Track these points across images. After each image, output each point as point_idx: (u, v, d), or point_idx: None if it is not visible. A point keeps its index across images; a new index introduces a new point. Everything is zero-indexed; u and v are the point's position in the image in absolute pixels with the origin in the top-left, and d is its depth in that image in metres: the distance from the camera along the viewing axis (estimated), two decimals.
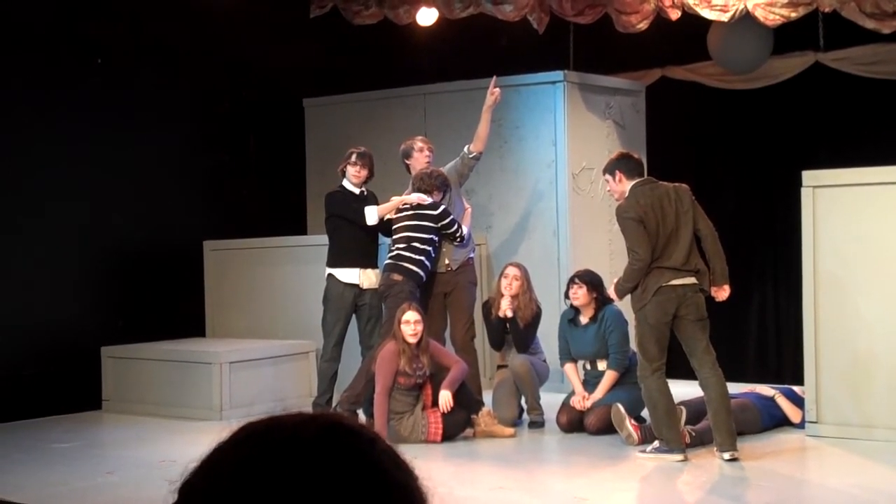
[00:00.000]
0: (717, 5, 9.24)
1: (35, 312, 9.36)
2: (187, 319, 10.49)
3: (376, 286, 8.55)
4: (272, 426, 1.17)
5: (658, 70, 11.05)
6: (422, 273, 8.38)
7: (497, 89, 8.80)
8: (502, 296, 8.37)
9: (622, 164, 7.25)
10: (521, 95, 10.09)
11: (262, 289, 10.38)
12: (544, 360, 8.53)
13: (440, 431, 7.76)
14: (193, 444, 7.95)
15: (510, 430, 8.03)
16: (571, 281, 8.20)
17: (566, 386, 8.50)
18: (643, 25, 9.79)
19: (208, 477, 1.14)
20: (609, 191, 7.57)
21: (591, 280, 8.15)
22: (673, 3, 9.51)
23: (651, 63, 10.98)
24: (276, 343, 9.84)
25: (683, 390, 7.86)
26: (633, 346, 8.02)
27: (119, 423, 9.16)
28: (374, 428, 7.30)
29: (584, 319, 8.17)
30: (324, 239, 9.00)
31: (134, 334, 9.88)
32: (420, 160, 8.75)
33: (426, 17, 10.41)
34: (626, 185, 7.14)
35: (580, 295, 8.10)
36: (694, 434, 7.32)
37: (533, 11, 10.09)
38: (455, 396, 7.79)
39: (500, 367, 8.63)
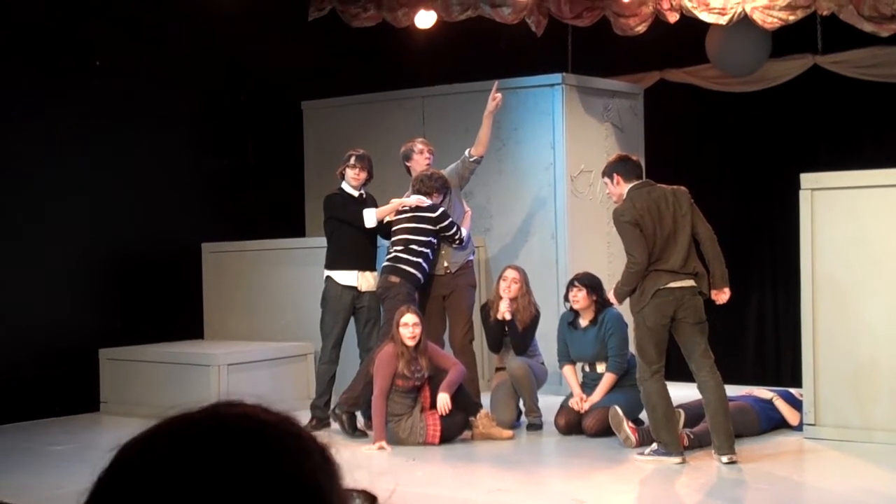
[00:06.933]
0: (715, 8, 9.25)
1: (33, 314, 9.36)
2: (185, 321, 10.49)
3: (374, 289, 8.55)
4: (146, 445, 1.10)
5: (656, 73, 11.06)
6: (419, 275, 8.37)
7: (499, 94, 8.80)
8: (501, 298, 8.37)
9: (620, 166, 7.24)
10: (519, 98, 10.09)
11: (260, 291, 10.38)
12: (542, 363, 8.53)
13: (438, 433, 7.76)
14: None
15: (508, 433, 8.02)
16: (571, 284, 8.20)
17: (564, 388, 8.50)
18: (641, 28, 9.80)
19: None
20: (608, 193, 7.57)
21: (590, 283, 8.15)
22: (671, 5, 9.52)
23: (649, 66, 10.99)
24: (274, 345, 9.83)
25: (682, 393, 7.86)
26: (632, 348, 8.02)
27: (117, 425, 9.13)
28: (372, 430, 7.22)
29: (583, 322, 8.17)
30: (322, 241, 8.99)
31: (132, 336, 9.87)
32: (420, 162, 8.75)
33: (424, 19, 10.42)
34: (624, 188, 7.14)
35: (580, 298, 8.10)
36: (692, 437, 7.31)
37: (531, 14, 10.10)
38: (453, 399, 7.78)
39: (498, 369, 8.63)
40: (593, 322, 8.13)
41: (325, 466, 1.11)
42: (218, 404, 1.15)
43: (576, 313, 8.21)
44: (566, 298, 8.24)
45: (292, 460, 1.08)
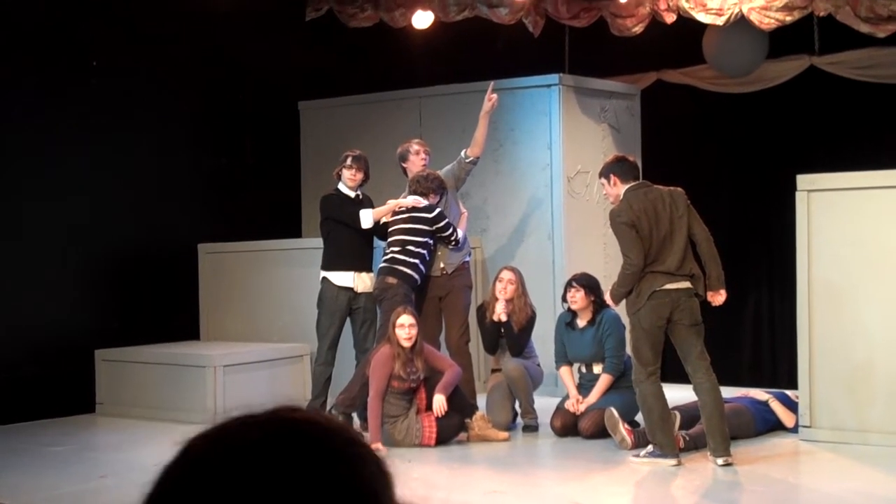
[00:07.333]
0: (712, 9, 9.26)
1: (29, 314, 9.35)
2: (182, 322, 10.48)
3: (371, 290, 8.55)
4: (212, 442, 1.14)
5: (653, 73, 11.06)
6: (416, 276, 8.37)
7: (494, 95, 8.80)
8: (497, 300, 8.37)
9: (617, 167, 7.24)
10: (516, 98, 10.09)
11: (256, 292, 10.37)
12: (538, 364, 8.53)
13: (434, 435, 7.76)
14: None
15: (504, 434, 8.02)
16: (569, 284, 8.20)
17: (560, 389, 8.49)
18: (638, 29, 9.81)
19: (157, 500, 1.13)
20: (605, 194, 7.57)
21: (588, 283, 8.15)
22: (668, 6, 9.53)
23: (646, 66, 10.99)
24: (270, 346, 9.83)
25: (677, 395, 7.86)
26: (628, 350, 8.02)
27: (113, 426, 9.14)
28: (368, 432, 7.22)
29: (581, 322, 8.17)
30: (319, 242, 8.99)
31: (128, 337, 9.87)
32: (416, 163, 8.75)
33: (422, 20, 10.42)
34: (621, 189, 7.13)
35: (578, 298, 8.10)
36: (688, 439, 7.31)
37: (528, 14, 10.11)
38: (449, 400, 7.78)
39: (494, 370, 8.63)
40: (591, 323, 8.13)
41: (380, 476, 1.15)
42: (282, 408, 1.20)
43: (573, 314, 8.21)
44: (564, 299, 8.24)
45: (351, 466, 1.12)
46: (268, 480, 1.08)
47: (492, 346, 8.54)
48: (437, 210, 8.49)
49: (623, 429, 7.53)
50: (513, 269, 8.53)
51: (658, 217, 7.00)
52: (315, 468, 1.11)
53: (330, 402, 8.52)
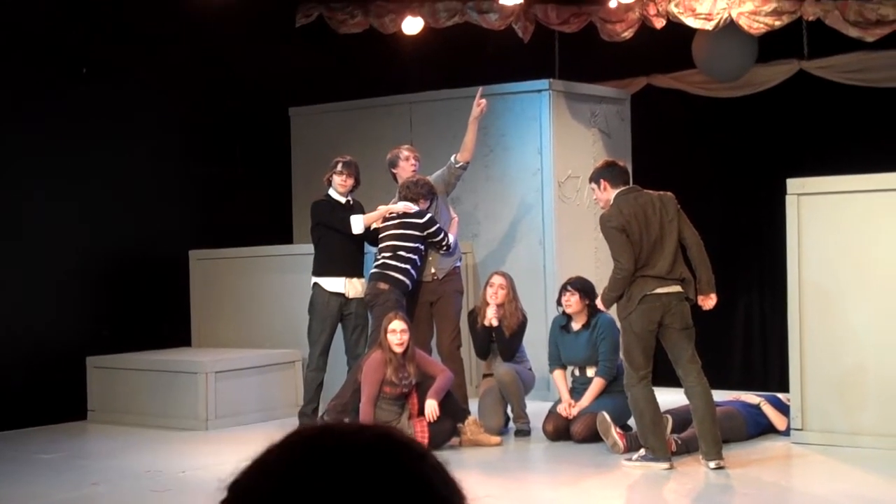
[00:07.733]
0: (701, 14, 9.29)
1: (20, 322, 9.33)
2: (173, 329, 10.47)
3: (362, 295, 8.55)
4: (324, 432, 1.19)
5: (643, 78, 11.08)
6: (408, 282, 8.37)
7: (483, 100, 8.81)
8: (488, 305, 8.37)
9: (607, 172, 7.25)
10: (506, 104, 10.10)
11: (248, 298, 10.36)
12: (530, 369, 8.53)
13: (426, 440, 7.73)
14: (179, 454, 7.98)
15: (496, 439, 8.03)
16: (564, 288, 8.21)
17: (552, 394, 8.49)
18: (628, 34, 9.83)
19: (257, 477, 1.16)
20: (595, 199, 7.58)
21: (583, 287, 8.16)
22: (658, 11, 9.56)
23: (636, 71, 11.01)
24: (262, 352, 9.82)
25: (669, 398, 7.87)
26: (621, 354, 8.04)
27: (104, 433, 9.12)
28: None
29: (576, 326, 8.18)
30: (310, 248, 8.99)
31: (119, 344, 9.85)
32: (406, 169, 8.76)
33: (412, 26, 10.43)
34: (611, 194, 7.14)
35: (573, 302, 8.11)
36: (680, 442, 7.32)
37: (518, 20, 10.12)
38: (441, 405, 7.78)
39: (485, 375, 8.63)
40: (586, 326, 8.14)
41: (456, 489, 1.20)
42: (387, 426, 1.25)
43: (568, 317, 8.21)
44: (559, 303, 8.25)
45: (450, 490, 1.18)
46: (366, 482, 1.12)
47: (483, 351, 8.54)
48: (428, 215, 8.50)
49: (615, 433, 7.53)
50: (503, 274, 8.53)
51: (648, 221, 7.01)
52: (410, 481, 1.14)
53: (322, 407, 8.52)
